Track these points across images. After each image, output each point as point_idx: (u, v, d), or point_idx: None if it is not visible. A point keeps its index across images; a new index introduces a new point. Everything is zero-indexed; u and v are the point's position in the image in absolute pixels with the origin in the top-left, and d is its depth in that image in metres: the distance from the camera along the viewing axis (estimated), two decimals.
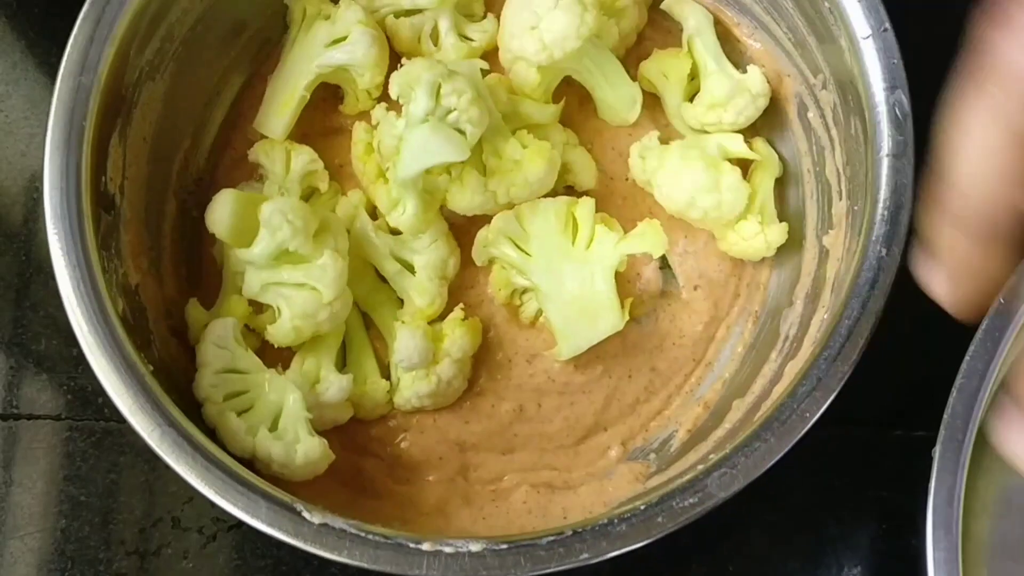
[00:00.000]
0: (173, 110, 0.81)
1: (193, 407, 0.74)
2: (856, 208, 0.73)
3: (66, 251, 0.68)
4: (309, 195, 0.84)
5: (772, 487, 0.66)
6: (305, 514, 0.63)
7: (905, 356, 0.82)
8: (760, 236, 0.81)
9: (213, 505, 0.61)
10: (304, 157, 0.83)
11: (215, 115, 0.87)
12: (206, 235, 0.81)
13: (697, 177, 0.80)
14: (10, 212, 0.90)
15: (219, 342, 0.76)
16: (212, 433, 0.73)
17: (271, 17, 0.87)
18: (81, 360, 0.83)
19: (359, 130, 0.82)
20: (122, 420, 0.80)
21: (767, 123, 0.86)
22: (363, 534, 0.62)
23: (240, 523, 0.80)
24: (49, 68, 0.94)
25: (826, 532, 0.84)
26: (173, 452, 0.65)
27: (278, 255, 0.76)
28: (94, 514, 0.83)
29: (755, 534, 0.84)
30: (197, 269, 0.84)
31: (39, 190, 0.88)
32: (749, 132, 0.85)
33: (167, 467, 0.65)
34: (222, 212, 0.76)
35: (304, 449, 0.74)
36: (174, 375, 0.75)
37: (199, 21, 0.80)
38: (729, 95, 0.83)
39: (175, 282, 0.81)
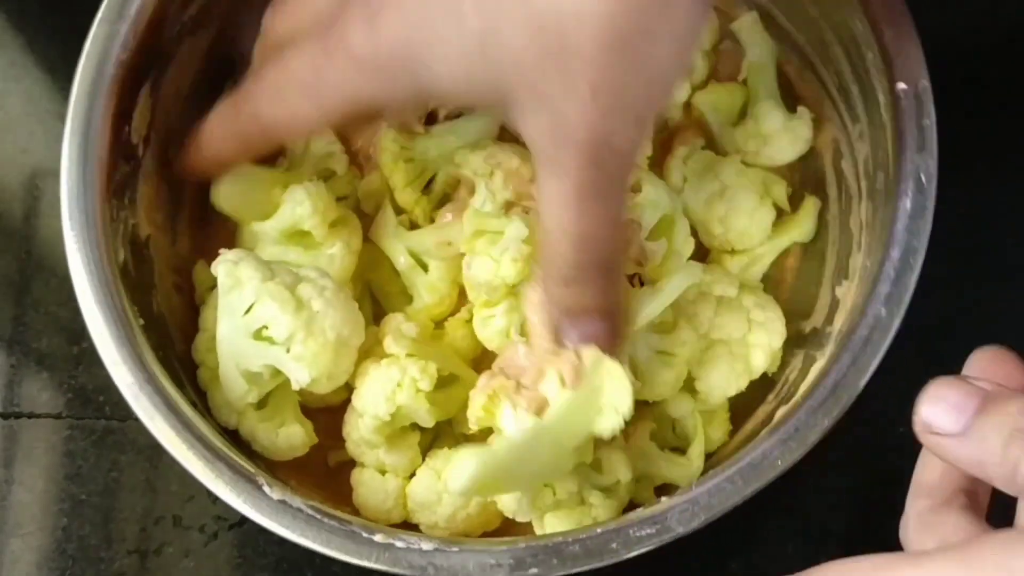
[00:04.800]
0: (213, 66, 0.81)
1: (187, 367, 0.74)
2: (868, 264, 0.72)
3: (75, 197, 0.68)
4: (327, 177, 0.82)
5: (774, 486, 0.65)
6: (265, 488, 0.63)
7: (907, 355, 0.81)
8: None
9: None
10: (324, 138, 0.82)
11: None
12: None
13: (747, 195, 0.79)
14: (10, 209, 0.90)
15: None
16: (204, 396, 0.74)
17: None
18: (82, 359, 0.84)
19: (387, 139, 0.80)
20: (123, 419, 0.81)
21: (800, 165, 0.85)
22: (318, 516, 0.62)
23: (242, 521, 0.80)
24: (48, 65, 0.93)
25: (828, 531, 0.83)
26: (147, 411, 0.64)
27: (291, 234, 0.76)
28: (95, 513, 0.82)
29: (756, 532, 0.83)
30: (214, 231, 0.83)
31: (39, 187, 0.88)
32: (786, 171, 0.84)
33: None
34: (230, 187, 0.76)
35: (287, 434, 0.73)
36: (171, 331, 0.75)
37: None
38: (775, 131, 0.82)
39: (189, 242, 0.81)
